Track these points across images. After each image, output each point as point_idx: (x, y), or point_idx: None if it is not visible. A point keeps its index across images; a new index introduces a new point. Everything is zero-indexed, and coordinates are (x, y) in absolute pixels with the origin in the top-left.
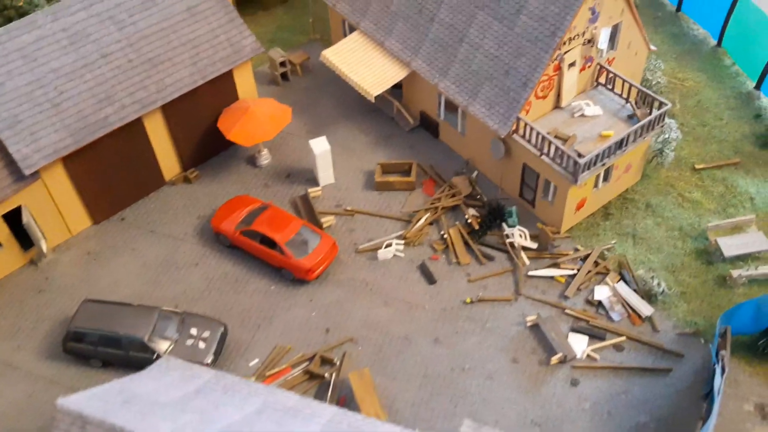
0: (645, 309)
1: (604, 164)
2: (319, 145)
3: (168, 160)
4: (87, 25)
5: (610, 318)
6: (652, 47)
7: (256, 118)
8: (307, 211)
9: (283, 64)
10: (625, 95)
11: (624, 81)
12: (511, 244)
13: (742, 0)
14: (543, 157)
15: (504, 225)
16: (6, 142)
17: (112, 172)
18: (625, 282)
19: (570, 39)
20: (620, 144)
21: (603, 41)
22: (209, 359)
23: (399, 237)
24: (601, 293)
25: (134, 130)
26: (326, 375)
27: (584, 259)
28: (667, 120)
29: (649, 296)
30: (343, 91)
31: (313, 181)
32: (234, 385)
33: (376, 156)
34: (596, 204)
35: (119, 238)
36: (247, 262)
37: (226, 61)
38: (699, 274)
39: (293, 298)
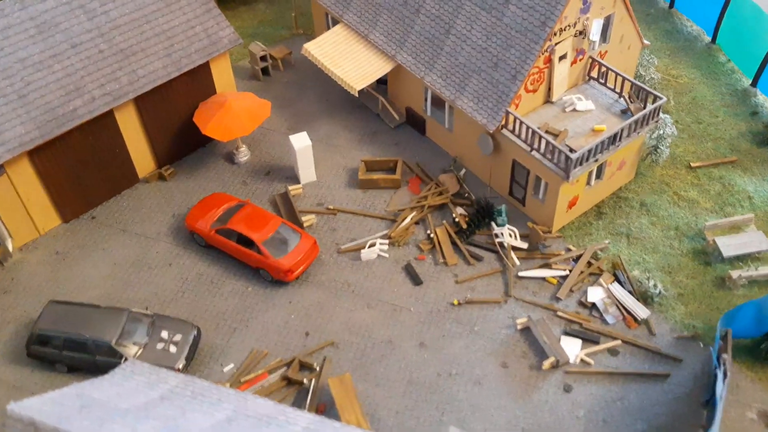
0: (641, 311)
1: (596, 160)
2: (300, 141)
3: (142, 157)
4: (56, 14)
5: (604, 321)
6: (645, 41)
7: (234, 112)
8: (288, 209)
9: (263, 58)
10: (618, 89)
11: (617, 75)
12: (501, 244)
13: None
14: (533, 152)
15: (493, 224)
16: None
17: (82, 168)
18: (620, 283)
19: (561, 30)
20: (614, 139)
21: (595, 33)
22: (180, 364)
23: (383, 237)
24: (595, 295)
25: (105, 123)
26: (305, 381)
27: (577, 259)
28: (661, 115)
29: (644, 298)
30: (327, 86)
31: (294, 179)
32: (203, 391)
33: (360, 153)
34: (589, 202)
35: (89, 238)
36: (223, 263)
37: (202, 53)
38: (697, 275)
39: (271, 300)
